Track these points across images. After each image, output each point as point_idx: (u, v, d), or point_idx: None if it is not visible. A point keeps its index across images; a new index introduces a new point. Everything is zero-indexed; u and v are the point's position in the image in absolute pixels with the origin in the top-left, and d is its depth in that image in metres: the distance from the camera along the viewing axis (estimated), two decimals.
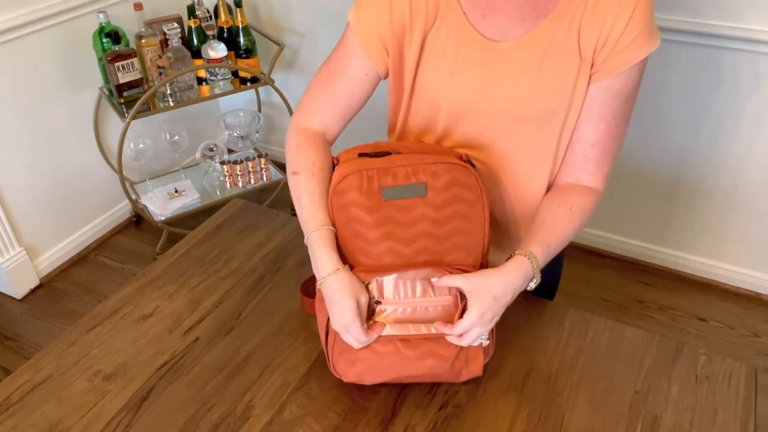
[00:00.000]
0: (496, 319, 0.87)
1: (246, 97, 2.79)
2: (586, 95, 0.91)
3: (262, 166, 2.52)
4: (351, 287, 0.85)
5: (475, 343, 0.88)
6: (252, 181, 2.50)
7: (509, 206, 1.03)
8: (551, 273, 1.18)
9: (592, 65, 0.88)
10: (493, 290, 0.85)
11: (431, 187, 0.86)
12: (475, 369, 0.93)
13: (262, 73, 2.33)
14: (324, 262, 0.87)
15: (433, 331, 0.87)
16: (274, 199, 2.57)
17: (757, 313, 2.16)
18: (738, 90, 1.88)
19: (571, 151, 0.96)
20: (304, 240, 0.90)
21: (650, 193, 2.21)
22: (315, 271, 0.89)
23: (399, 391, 0.95)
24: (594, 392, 0.95)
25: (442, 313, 0.88)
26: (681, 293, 2.24)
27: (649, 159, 2.13)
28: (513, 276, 0.87)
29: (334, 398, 0.94)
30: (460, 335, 0.86)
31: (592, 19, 0.85)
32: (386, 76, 0.98)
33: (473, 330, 0.86)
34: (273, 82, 2.32)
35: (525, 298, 1.10)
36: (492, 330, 0.93)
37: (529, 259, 0.88)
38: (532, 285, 0.90)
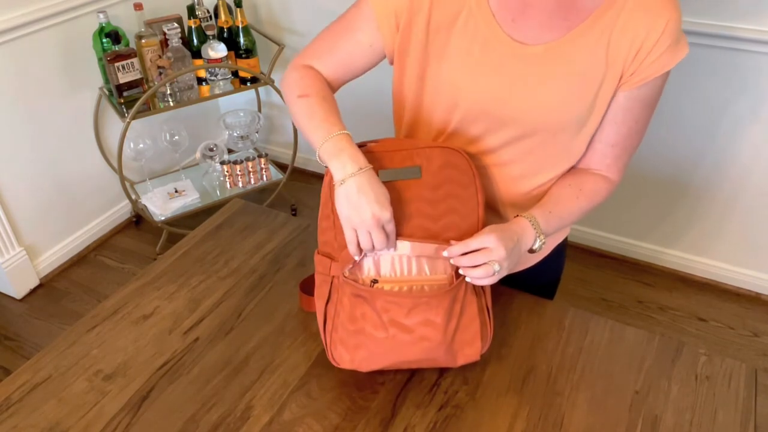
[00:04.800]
0: (502, 247, 0.86)
1: (246, 97, 2.79)
2: (612, 103, 0.92)
3: (262, 166, 2.52)
4: (380, 182, 0.86)
5: (490, 275, 0.86)
6: (252, 181, 2.50)
7: (509, 206, 1.03)
8: (552, 269, 1.19)
9: (620, 77, 0.89)
10: (499, 226, 0.90)
11: (426, 169, 0.89)
12: (472, 353, 0.93)
13: (262, 73, 2.33)
14: (355, 157, 0.86)
15: (444, 253, 0.88)
16: (274, 199, 2.57)
17: (757, 313, 2.16)
18: (752, 93, 1.88)
19: (591, 150, 0.98)
20: (320, 147, 0.87)
21: (651, 194, 2.21)
22: (338, 169, 0.85)
23: (399, 391, 0.95)
24: (594, 392, 0.95)
25: (437, 292, 0.89)
26: (681, 293, 2.24)
27: (650, 160, 2.13)
28: (512, 226, 0.91)
29: (334, 398, 0.94)
30: (472, 265, 0.87)
31: (624, 33, 0.85)
32: (391, 57, 0.96)
33: (485, 245, 0.86)
34: (273, 82, 2.32)
35: (525, 297, 1.10)
36: (489, 318, 0.94)
37: (528, 219, 0.92)
38: (538, 244, 0.93)
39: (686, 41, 0.88)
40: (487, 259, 0.86)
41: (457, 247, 0.87)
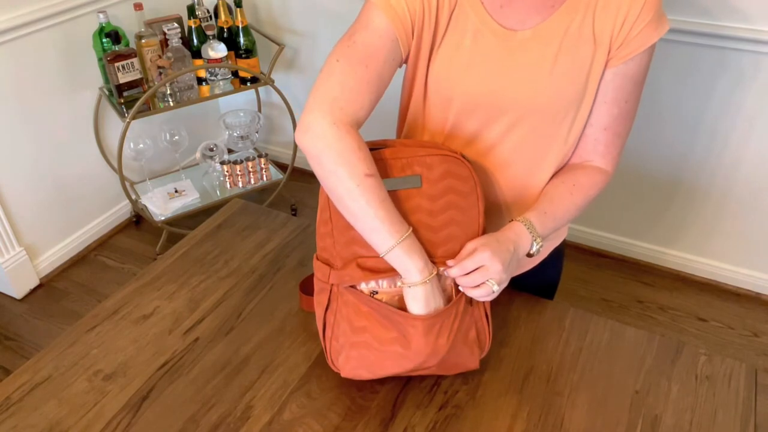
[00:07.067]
0: (498, 263, 0.86)
1: (246, 97, 2.79)
2: (601, 82, 0.92)
3: (262, 166, 2.52)
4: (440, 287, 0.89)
5: (489, 293, 0.87)
6: (252, 181, 2.50)
7: (510, 200, 1.03)
8: (551, 271, 1.19)
9: (608, 52, 0.90)
10: (494, 235, 0.90)
11: (426, 178, 0.88)
12: (470, 363, 0.93)
13: (262, 73, 2.33)
14: (428, 265, 0.86)
15: (445, 273, 0.88)
16: (274, 199, 2.57)
17: (757, 313, 2.16)
18: (741, 90, 1.88)
19: (583, 136, 0.98)
20: (391, 246, 0.84)
21: (650, 194, 2.21)
22: (416, 271, 0.85)
23: (399, 391, 0.95)
24: (594, 392, 0.95)
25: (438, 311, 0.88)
26: (681, 293, 2.24)
27: (649, 159, 2.13)
28: (507, 233, 0.91)
29: (334, 398, 0.94)
30: (471, 286, 0.87)
31: (607, 7, 0.87)
32: (405, 62, 0.94)
33: (480, 264, 0.86)
34: (273, 82, 2.32)
35: (525, 298, 1.10)
36: (488, 323, 0.94)
37: (523, 222, 0.92)
38: (535, 247, 0.92)
39: (666, 19, 0.90)
40: (484, 278, 0.86)
41: (455, 270, 0.87)
